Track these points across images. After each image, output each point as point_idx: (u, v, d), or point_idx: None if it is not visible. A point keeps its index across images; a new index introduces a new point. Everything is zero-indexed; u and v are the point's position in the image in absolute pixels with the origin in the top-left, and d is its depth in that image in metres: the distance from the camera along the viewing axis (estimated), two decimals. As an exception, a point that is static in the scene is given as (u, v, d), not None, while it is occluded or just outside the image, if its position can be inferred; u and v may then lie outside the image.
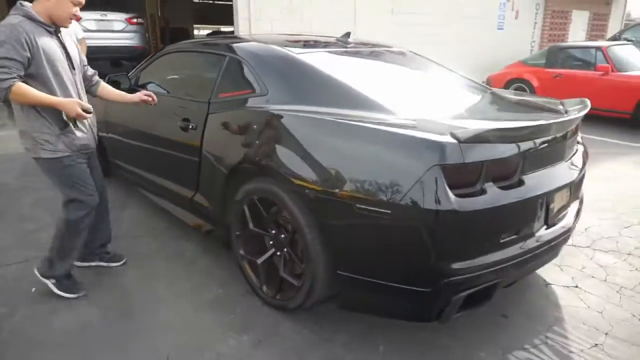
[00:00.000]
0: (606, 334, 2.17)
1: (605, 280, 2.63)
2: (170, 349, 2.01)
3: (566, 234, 2.13)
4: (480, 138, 1.69)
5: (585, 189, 2.49)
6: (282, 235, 2.20)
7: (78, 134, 2.21)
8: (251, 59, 2.50)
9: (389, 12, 9.10)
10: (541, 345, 2.08)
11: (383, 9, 9.00)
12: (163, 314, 2.27)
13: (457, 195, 1.67)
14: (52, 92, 2.09)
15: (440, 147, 1.66)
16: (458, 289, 1.76)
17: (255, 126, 2.25)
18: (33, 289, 2.44)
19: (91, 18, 7.82)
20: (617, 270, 2.74)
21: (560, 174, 2.06)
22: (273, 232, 2.25)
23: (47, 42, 2.08)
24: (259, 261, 2.31)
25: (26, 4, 2.09)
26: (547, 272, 2.69)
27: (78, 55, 2.33)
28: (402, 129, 1.79)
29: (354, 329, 2.15)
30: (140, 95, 2.53)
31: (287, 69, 2.37)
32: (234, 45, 2.69)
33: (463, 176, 1.71)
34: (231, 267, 2.56)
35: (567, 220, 2.19)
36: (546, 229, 2.03)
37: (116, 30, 8.19)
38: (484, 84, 2.96)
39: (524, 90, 8.03)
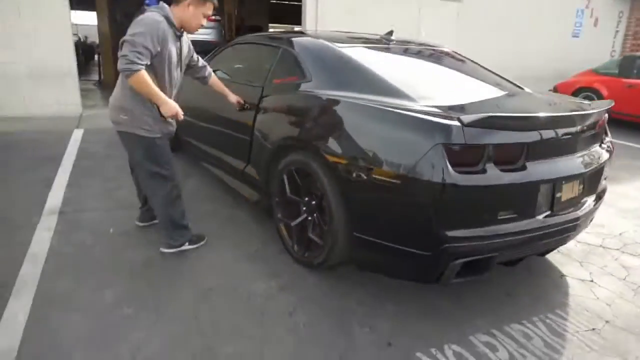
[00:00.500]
0: (607, 321, 2.28)
1: (624, 279, 2.70)
2: (212, 284, 2.43)
3: (573, 223, 2.27)
4: (482, 123, 1.92)
5: (631, 196, 2.56)
6: (313, 202, 2.55)
7: (170, 121, 2.60)
8: (300, 50, 2.87)
9: (455, 16, 9.15)
10: (538, 322, 2.25)
11: (448, 13, 9.07)
12: (210, 259, 2.70)
13: (458, 171, 1.92)
14: (161, 85, 2.43)
15: (444, 128, 1.92)
16: (456, 255, 2.00)
17: (297, 107, 2.63)
18: (111, 230, 2.99)
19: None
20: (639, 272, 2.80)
21: (568, 165, 2.21)
22: (306, 199, 2.60)
23: (172, 44, 2.43)
24: (293, 224, 2.67)
25: (166, 6, 2.42)
26: (565, 266, 2.81)
27: (187, 52, 2.71)
28: (417, 113, 2.07)
29: (370, 290, 2.45)
30: (235, 97, 3.04)
31: (329, 59, 2.72)
32: (288, 38, 3.08)
33: (465, 155, 1.94)
34: (273, 231, 2.94)
35: (578, 211, 2.32)
36: (550, 214, 2.19)
37: (196, 26, 8.97)
38: (517, 84, 3.11)
39: (592, 100, 7.75)
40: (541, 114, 2.08)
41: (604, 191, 2.65)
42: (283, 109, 2.79)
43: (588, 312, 2.36)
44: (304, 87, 2.73)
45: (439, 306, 2.34)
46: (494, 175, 1.97)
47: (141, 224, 3.07)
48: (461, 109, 2.21)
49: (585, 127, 2.31)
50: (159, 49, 2.33)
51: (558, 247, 2.47)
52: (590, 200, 2.47)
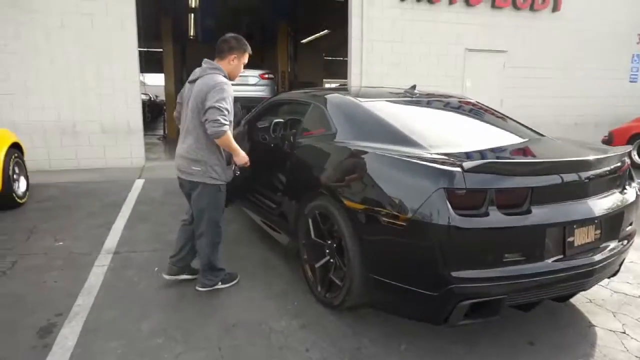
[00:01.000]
0: (635, 374, 2.19)
1: (661, 332, 2.57)
2: (237, 320, 2.62)
3: (589, 268, 2.24)
4: (483, 169, 2.04)
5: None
6: (335, 245, 2.71)
7: (231, 169, 2.93)
8: (328, 105, 3.14)
9: (501, 67, 9.25)
10: (558, 371, 2.21)
11: (494, 64, 9.19)
12: (239, 297, 2.91)
13: (461, 214, 2.03)
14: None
15: (446, 173, 2.06)
16: (462, 296, 2.06)
17: (320, 156, 2.88)
18: (156, 268, 3.29)
19: (232, 74, 9.49)
20: (680, 325, 2.64)
21: (579, 209, 2.23)
22: (328, 241, 2.77)
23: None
24: (317, 265, 2.84)
25: (220, 66, 2.77)
26: (596, 315, 2.72)
27: None
28: (423, 161, 2.22)
29: (385, 330, 2.52)
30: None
31: (352, 113, 2.96)
32: (317, 95, 3.38)
33: (468, 199, 2.06)
34: (300, 274, 3.10)
35: (595, 256, 2.29)
36: (562, 258, 2.20)
37: (251, 83, 9.76)
38: (537, 130, 3.17)
39: (650, 146, 7.41)
40: (544, 160, 2.16)
41: (630, 236, 2.59)
42: (309, 158, 3.05)
43: (614, 364, 2.27)
44: (329, 138, 2.97)
45: (452, 351, 2.36)
46: (496, 219, 2.06)
47: (167, 277, 3.05)
48: (467, 155, 2.34)
49: (599, 172, 2.34)
50: (232, 106, 2.71)
51: (576, 292, 2.42)
52: (612, 246, 2.43)
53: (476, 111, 3.32)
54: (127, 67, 7.20)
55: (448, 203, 2.03)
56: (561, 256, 2.21)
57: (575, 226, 2.23)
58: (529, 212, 2.12)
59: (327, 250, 2.78)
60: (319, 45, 19.44)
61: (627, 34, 10.10)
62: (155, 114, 17.45)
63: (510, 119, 3.34)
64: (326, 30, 16.31)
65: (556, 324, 2.62)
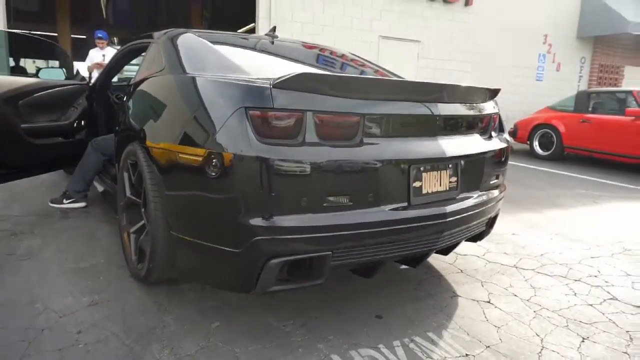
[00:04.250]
0: (487, 347, 1.81)
1: (527, 300, 2.25)
2: (11, 297, 1.97)
3: (438, 220, 1.84)
4: (297, 84, 1.57)
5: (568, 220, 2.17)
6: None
7: None
8: (162, 43, 2.52)
9: (415, 56, 9.15)
10: (398, 347, 1.77)
11: (408, 53, 9.06)
12: (37, 270, 2.27)
13: (267, 143, 1.54)
14: None
15: (247, 89, 1.57)
16: (271, 252, 1.57)
17: (137, 97, 2.32)
18: None
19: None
20: (549, 293, 2.34)
21: (427, 147, 1.83)
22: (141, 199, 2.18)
23: None
24: (132, 230, 2.24)
25: None
26: (463, 285, 2.37)
27: None
28: (228, 80, 1.70)
29: (204, 306, 1.97)
30: None
31: (184, 46, 2.34)
32: (163, 34, 2.75)
33: (277, 124, 1.57)
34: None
35: (446, 208, 1.89)
36: (405, 207, 1.78)
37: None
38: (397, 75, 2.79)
39: (550, 137, 7.55)
40: (382, 78, 1.73)
41: (496, 189, 2.25)
42: (132, 101, 2.44)
43: (468, 336, 1.88)
44: (155, 76, 2.39)
45: (280, 327, 1.86)
46: (316, 150, 1.59)
47: None
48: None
49: (456, 107, 1.96)
50: None
51: (427, 253, 2.01)
52: (472, 197, 2.05)
53: (337, 57, 2.89)
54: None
55: (250, 127, 1.53)
56: (405, 204, 1.79)
57: (422, 168, 1.82)
58: (360, 144, 1.68)
59: (143, 210, 2.20)
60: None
61: (536, 33, 10.45)
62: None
63: (384, 69, 2.92)
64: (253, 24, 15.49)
65: (414, 296, 2.22)
